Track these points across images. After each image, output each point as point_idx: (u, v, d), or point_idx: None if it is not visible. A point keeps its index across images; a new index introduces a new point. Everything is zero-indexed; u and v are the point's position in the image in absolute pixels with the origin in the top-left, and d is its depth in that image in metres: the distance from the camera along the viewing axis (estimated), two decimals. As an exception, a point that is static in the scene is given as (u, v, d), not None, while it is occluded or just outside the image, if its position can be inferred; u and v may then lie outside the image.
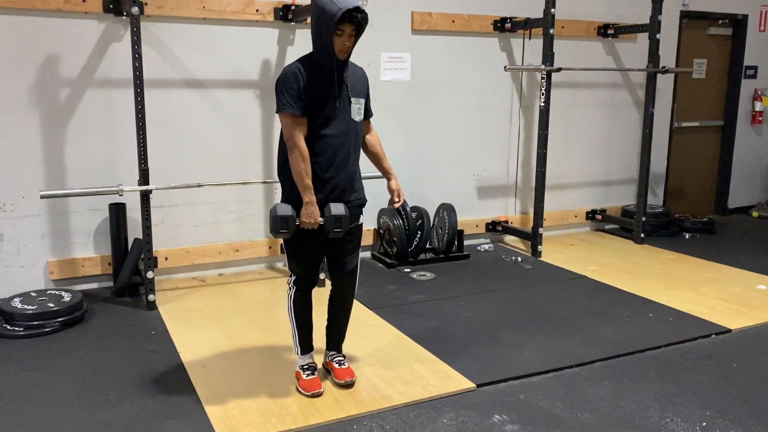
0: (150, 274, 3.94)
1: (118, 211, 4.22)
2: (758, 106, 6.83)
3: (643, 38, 5.94)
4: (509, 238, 5.73)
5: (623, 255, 5.38)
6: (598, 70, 5.72)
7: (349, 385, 2.98)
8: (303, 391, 2.93)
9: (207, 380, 3.07)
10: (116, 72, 4.19)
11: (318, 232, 2.78)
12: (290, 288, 2.95)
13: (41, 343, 3.48)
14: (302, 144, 2.69)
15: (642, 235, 5.69)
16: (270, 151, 4.71)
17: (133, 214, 4.32)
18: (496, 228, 5.58)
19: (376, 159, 3.03)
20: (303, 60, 2.75)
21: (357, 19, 2.60)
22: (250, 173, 4.68)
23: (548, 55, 4.92)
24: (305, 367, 3.02)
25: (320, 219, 2.74)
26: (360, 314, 3.91)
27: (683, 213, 6.44)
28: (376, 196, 4.81)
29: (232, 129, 4.59)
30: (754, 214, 6.99)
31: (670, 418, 2.78)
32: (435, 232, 5.17)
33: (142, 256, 4.16)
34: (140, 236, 4.27)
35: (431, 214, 5.15)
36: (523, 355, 3.39)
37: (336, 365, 3.05)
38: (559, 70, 4.91)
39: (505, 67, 5.00)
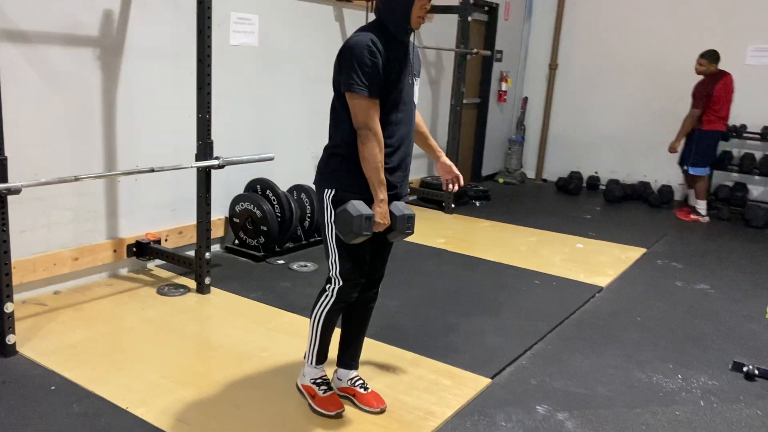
0: (10, 307, 2.78)
1: None
2: (504, 86, 7.81)
3: (439, 19, 6.25)
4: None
5: (449, 225, 5.68)
6: (428, 49, 5.84)
7: (382, 412, 2.59)
8: (323, 411, 2.50)
9: (204, 438, 2.35)
10: None
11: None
12: (327, 297, 2.43)
13: None
14: (380, 130, 2.26)
15: (453, 205, 6.08)
16: (112, 128, 3.69)
17: (-62, 223, 2.98)
18: (332, 207, 5.34)
19: (423, 138, 2.69)
20: (373, 30, 2.27)
21: None
22: (89, 157, 3.61)
23: (398, 30, 4.83)
24: (319, 381, 2.57)
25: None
26: (291, 320, 3.40)
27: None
28: (223, 181, 4.26)
29: (66, 99, 3.46)
30: (500, 180, 8.03)
31: (654, 376, 3.09)
32: (288, 216, 4.72)
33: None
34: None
35: (283, 197, 4.68)
36: (489, 338, 3.38)
37: (361, 390, 2.61)
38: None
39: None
